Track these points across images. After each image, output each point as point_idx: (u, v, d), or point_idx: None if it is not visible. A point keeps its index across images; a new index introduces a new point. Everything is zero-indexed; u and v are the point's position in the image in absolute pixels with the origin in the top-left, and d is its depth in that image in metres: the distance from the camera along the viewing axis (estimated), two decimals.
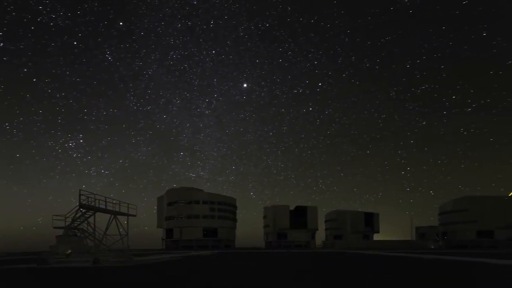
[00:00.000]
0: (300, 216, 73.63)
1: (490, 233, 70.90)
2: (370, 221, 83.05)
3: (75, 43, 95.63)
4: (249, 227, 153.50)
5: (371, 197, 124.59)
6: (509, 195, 71.55)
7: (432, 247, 71.51)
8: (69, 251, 21.71)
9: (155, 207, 75.09)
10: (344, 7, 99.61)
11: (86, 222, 21.83)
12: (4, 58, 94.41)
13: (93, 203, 20.96)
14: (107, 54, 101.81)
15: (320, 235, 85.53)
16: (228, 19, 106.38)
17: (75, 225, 21.49)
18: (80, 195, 20.07)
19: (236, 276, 10.94)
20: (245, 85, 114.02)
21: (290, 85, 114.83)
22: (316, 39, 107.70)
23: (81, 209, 20.78)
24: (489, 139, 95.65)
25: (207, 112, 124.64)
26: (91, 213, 21.34)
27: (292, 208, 75.68)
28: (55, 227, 21.19)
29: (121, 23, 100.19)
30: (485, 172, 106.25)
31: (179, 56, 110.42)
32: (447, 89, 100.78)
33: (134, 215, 24.54)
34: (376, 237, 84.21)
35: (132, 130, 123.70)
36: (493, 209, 69.57)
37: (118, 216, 23.64)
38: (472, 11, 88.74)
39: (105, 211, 21.93)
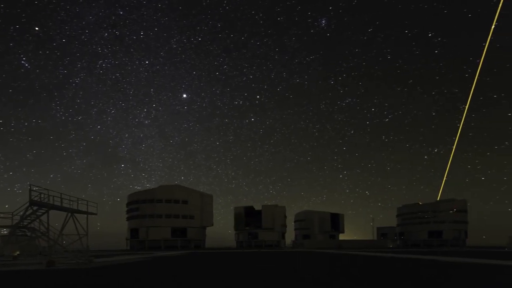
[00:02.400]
0: (256, 216, 73.19)
1: (439, 233, 76.44)
2: (336, 221, 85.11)
3: None
4: (219, 227, 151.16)
5: (317, 199, 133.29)
6: (438, 199, 78.82)
7: (391, 246, 74.99)
8: (17, 252, 18.68)
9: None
10: (271, 27, 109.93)
11: (38, 220, 18.92)
12: None
13: (46, 200, 18.16)
14: (23, 60, 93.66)
15: (290, 235, 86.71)
16: (159, 31, 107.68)
17: (25, 223, 18.53)
18: (30, 190, 17.26)
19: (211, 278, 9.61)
20: (184, 95, 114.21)
21: (230, 97, 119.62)
22: (248, 55, 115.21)
23: (32, 206, 17.91)
24: (405, 145, 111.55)
25: (146, 122, 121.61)
26: (44, 211, 18.50)
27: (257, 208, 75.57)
28: None
29: (36, 28, 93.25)
30: (406, 173, 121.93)
31: (109, 65, 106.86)
32: (367, 102, 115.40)
33: (95, 214, 21.94)
34: (341, 237, 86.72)
35: (62, 142, 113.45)
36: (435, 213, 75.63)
37: (78, 215, 20.92)
38: (378, 36, 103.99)
39: (60, 208, 19.19)
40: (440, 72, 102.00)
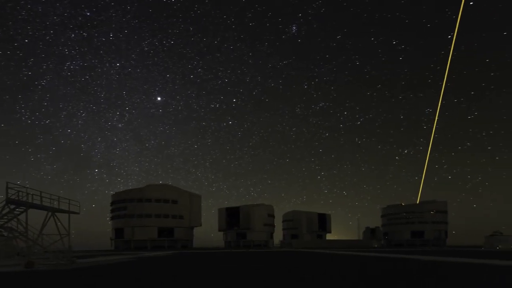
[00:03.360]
0: (233, 216, 72.71)
1: (421, 233, 78.42)
2: (323, 221, 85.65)
3: None
4: (207, 227, 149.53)
5: (298, 200, 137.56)
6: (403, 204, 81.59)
7: (376, 246, 76.17)
8: None
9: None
10: (243, 32, 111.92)
11: (15, 219, 17.60)
12: None
13: (25, 198, 16.91)
14: None
15: (279, 235, 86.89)
16: (129, 33, 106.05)
17: (1, 223, 17.18)
18: (7, 188, 15.98)
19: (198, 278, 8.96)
20: (159, 98, 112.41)
21: (206, 100, 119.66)
22: (222, 58, 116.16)
23: (9, 205, 16.60)
24: (377, 147, 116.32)
25: (120, 125, 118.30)
26: (22, 210, 17.21)
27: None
28: None
29: None
30: (379, 174, 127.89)
31: (77, 67, 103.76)
32: (339, 106, 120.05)
33: (77, 213, 20.75)
34: (328, 236, 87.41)
35: (30, 147, 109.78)
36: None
37: (60, 214, 19.68)
38: (347, 43, 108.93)
39: (40, 207, 17.95)
40: (405, 78, 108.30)
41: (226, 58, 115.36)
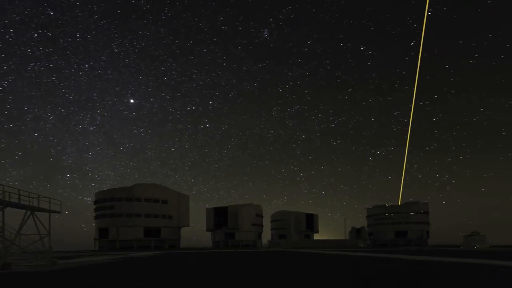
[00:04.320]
0: (221, 216, 71.80)
1: (404, 234, 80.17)
2: (310, 222, 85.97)
3: None
4: (195, 227, 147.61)
5: (279, 201, 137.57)
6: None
7: (362, 245, 77.12)
8: None
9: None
10: (215, 36, 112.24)
11: None
12: None
13: (1, 197, 15.67)
14: None
15: (267, 235, 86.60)
16: (97, 34, 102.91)
17: None
18: None
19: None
20: (131, 100, 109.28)
21: (181, 103, 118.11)
22: (196, 61, 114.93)
23: None
24: (351, 148, 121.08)
25: (91, 128, 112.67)
26: None
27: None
28: None
29: None
30: (354, 174, 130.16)
31: (42, 68, 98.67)
32: (313, 109, 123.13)
33: (58, 212, 19.57)
34: (315, 236, 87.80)
35: None
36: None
37: (40, 214, 18.43)
38: (317, 48, 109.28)
39: (18, 206, 16.72)
40: (374, 82, 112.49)
41: (199, 61, 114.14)
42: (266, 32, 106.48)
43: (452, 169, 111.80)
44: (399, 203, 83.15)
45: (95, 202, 65.09)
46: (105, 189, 66.76)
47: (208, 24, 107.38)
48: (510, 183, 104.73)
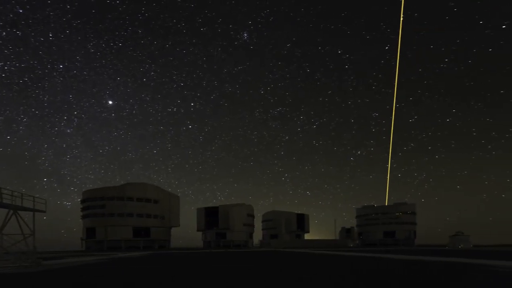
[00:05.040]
0: (212, 216, 71.26)
1: (392, 234, 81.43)
2: (301, 222, 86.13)
3: None
4: (185, 227, 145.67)
5: (265, 202, 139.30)
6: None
7: (351, 245, 77.79)
8: None
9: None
10: (195, 37, 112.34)
11: None
12: None
13: None
14: None
15: (258, 235, 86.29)
16: (71, 34, 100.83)
17: None
18: None
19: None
20: (110, 102, 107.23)
21: (162, 104, 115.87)
22: (176, 62, 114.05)
23: None
24: (333, 148, 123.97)
25: (68, 131, 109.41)
26: None
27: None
28: None
29: None
30: (337, 174, 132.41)
31: (13, 68, 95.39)
32: (295, 111, 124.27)
33: (43, 211, 18.65)
34: (306, 236, 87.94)
35: None
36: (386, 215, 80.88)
37: (24, 213, 17.48)
38: (296, 51, 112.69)
39: (0, 205, 15.75)
40: (352, 85, 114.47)
41: (180, 62, 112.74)
42: (245, 34, 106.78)
43: (429, 168, 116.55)
44: (386, 203, 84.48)
45: (83, 201, 63.16)
46: (91, 188, 64.99)
47: (187, 25, 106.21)
48: (483, 181, 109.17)
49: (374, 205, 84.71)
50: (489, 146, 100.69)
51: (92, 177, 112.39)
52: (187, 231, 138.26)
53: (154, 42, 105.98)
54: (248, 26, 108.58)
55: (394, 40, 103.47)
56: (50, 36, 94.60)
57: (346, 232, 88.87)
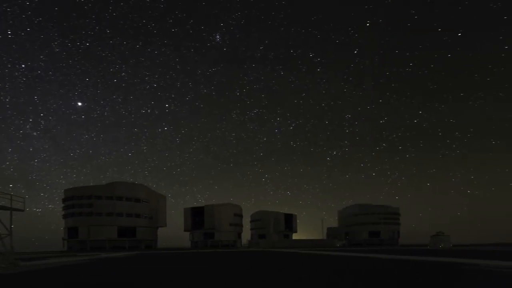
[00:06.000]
0: (199, 216, 70.26)
1: (378, 234, 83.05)
2: (289, 221, 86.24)
3: None
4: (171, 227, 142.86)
5: (246, 203, 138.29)
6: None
7: (338, 245, 78.57)
8: None
9: None
10: (166, 38, 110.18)
11: None
12: None
13: None
14: None
15: (246, 235, 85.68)
16: (33, 32, 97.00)
17: None
18: None
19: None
20: (79, 103, 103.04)
21: (135, 105, 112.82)
22: (147, 63, 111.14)
23: None
24: (310, 149, 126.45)
25: (35, 133, 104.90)
26: None
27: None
28: None
29: None
30: (314, 174, 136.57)
31: None
32: (271, 112, 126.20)
33: (21, 210, 17.58)
34: (294, 236, 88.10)
35: None
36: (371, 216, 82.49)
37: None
38: (269, 54, 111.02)
39: None
40: (325, 88, 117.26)
41: (151, 63, 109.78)
42: (218, 36, 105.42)
43: (401, 167, 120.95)
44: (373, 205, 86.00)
45: (64, 200, 60.67)
46: (71, 187, 62.67)
47: (157, 26, 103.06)
48: (450, 178, 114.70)
49: (360, 205, 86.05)
50: (454, 145, 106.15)
51: (64, 182, 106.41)
52: (171, 232, 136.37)
53: (123, 43, 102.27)
54: (220, 28, 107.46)
55: (362, 45, 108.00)
56: (9, 34, 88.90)
57: (333, 232, 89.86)
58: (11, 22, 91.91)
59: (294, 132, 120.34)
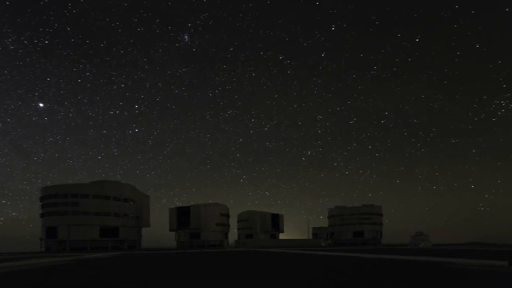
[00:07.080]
0: (184, 216, 69.29)
1: (361, 233, 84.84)
2: (276, 221, 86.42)
3: None
4: (155, 228, 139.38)
5: (228, 203, 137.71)
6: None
7: (323, 245, 79.50)
8: None
9: None
10: (132, 37, 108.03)
11: None
12: None
13: None
14: None
15: (233, 234, 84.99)
16: None
17: None
18: None
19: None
20: (41, 104, 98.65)
21: (102, 106, 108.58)
22: (113, 63, 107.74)
23: None
24: (285, 150, 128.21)
25: None
26: None
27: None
28: None
29: None
30: (292, 174, 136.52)
31: None
32: (246, 114, 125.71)
33: None
34: (281, 236, 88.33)
35: None
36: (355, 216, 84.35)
37: None
38: (240, 55, 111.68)
39: None
40: (296, 89, 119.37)
41: (118, 63, 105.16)
42: (186, 36, 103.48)
43: (371, 166, 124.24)
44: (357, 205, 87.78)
45: (43, 198, 57.79)
46: (50, 184, 59.94)
47: (121, 25, 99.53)
48: (417, 176, 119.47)
49: (345, 206, 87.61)
50: (418, 144, 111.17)
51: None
52: (163, 231, 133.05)
53: (86, 41, 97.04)
54: (188, 28, 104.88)
55: (328, 48, 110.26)
56: None
57: (319, 232, 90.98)
58: None
59: (268, 132, 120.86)
